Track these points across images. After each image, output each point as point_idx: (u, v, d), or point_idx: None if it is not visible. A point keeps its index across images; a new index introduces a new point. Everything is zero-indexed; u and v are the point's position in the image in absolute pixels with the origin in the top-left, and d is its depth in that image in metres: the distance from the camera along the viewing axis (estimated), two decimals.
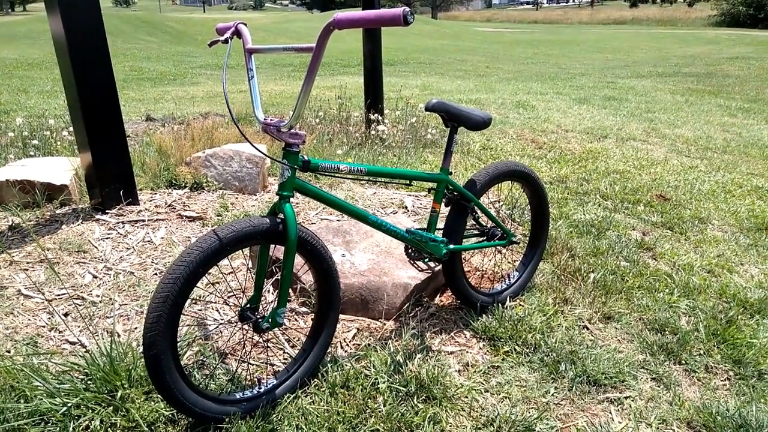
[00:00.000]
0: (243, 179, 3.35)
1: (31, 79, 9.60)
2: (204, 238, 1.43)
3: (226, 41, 1.66)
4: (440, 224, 2.12)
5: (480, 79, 11.77)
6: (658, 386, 1.94)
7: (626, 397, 1.88)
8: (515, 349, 2.06)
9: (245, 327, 1.73)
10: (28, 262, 2.40)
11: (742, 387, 1.95)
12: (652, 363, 2.06)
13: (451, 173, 2.02)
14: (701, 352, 2.13)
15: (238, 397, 1.62)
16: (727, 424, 1.73)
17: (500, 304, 2.26)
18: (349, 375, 1.81)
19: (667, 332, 2.24)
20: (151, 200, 3.05)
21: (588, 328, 2.26)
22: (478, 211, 2.16)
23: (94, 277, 2.33)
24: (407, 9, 1.20)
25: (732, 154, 5.59)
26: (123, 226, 2.74)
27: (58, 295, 2.19)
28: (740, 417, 1.75)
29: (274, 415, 1.64)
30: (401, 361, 1.90)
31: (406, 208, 3.23)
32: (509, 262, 2.66)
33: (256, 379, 1.74)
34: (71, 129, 4.14)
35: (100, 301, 2.16)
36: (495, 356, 2.04)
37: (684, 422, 1.77)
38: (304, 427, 1.61)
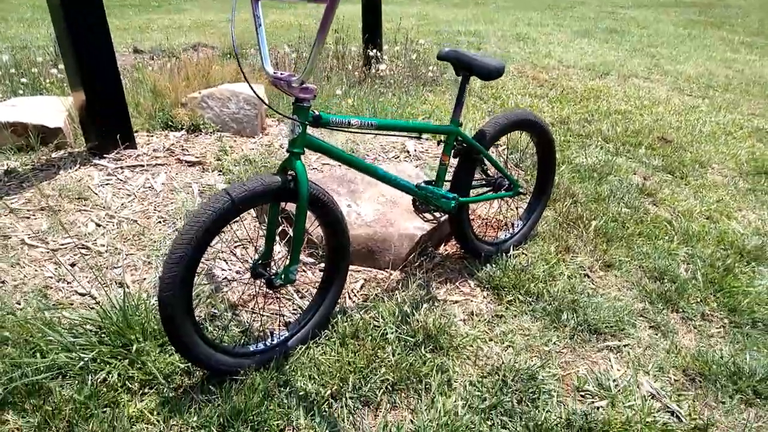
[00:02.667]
0: (241, 121, 3.28)
1: (10, 5, 9.15)
2: (216, 197, 1.41)
3: None
4: (448, 176, 2.11)
5: (478, 7, 11.36)
6: (656, 334, 2.01)
7: (625, 345, 1.95)
8: (518, 299, 2.11)
9: (258, 282, 1.75)
10: (28, 210, 2.37)
11: (737, 335, 2.02)
12: (651, 311, 2.12)
13: (461, 124, 1.97)
14: (698, 300, 2.19)
15: (251, 349, 1.66)
16: (720, 372, 1.81)
17: (504, 253, 2.29)
18: (359, 326, 1.85)
19: (666, 280, 2.29)
20: (148, 144, 2.99)
21: (589, 276, 2.30)
22: (487, 163, 2.14)
23: (98, 225, 2.32)
24: None
25: (734, 92, 5.52)
26: (122, 172, 2.70)
27: (63, 244, 2.18)
28: (734, 365, 1.83)
29: (287, 366, 1.69)
30: (408, 311, 1.94)
31: (408, 152, 3.20)
32: (513, 210, 2.67)
33: (268, 332, 1.77)
34: (61, 66, 3.99)
35: (106, 251, 2.16)
36: (499, 305, 2.09)
37: (680, 369, 1.84)
38: (316, 377, 1.67)
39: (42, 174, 2.66)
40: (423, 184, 1.92)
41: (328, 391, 1.62)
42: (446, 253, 2.35)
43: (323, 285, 1.81)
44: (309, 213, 1.63)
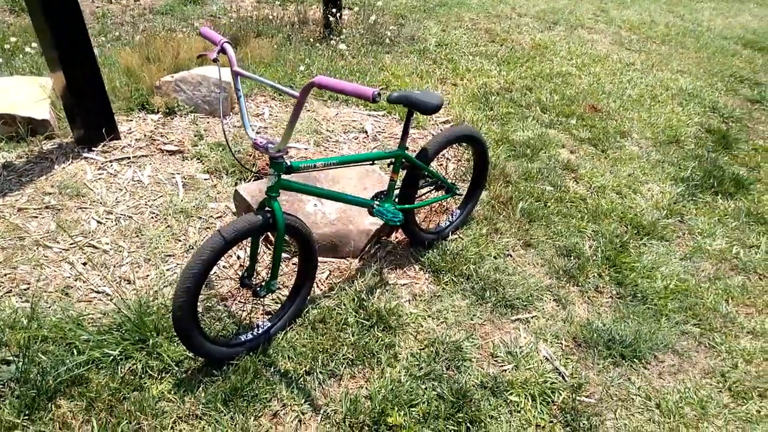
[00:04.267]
0: (212, 103, 3.57)
1: None
2: (212, 238, 1.83)
3: (215, 60, 1.90)
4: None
5: None
6: (558, 306, 2.59)
7: (533, 317, 2.52)
8: (453, 280, 2.63)
9: (245, 291, 2.21)
10: (35, 209, 2.72)
11: (620, 306, 2.61)
12: (556, 286, 2.68)
13: (407, 148, 2.38)
14: (595, 274, 2.76)
15: (242, 339, 2.15)
16: (599, 339, 2.41)
17: (443, 240, 2.79)
18: (325, 313, 2.36)
19: (572, 257, 2.85)
20: (130, 132, 3.29)
21: (511, 256, 2.84)
22: (428, 174, 2.58)
23: (99, 222, 2.69)
24: (377, 91, 1.52)
25: (669, 44, 5.93)
26: (111, 165, 3.03)
27: (72, 244, 2.57)
28: (609, 333, 2.43)
29: (271, 350, 2.19)
30: (364, 298, 2.44)
31: (366, 132, 3.58)
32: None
33: (255, 323, 2.26)
34: (33, 44, 4.11)
35: (111, 249, 2.56)
36: (437, 286, 2.62)
37: (571, 337, 2.43)
38: (293, 357, 2.18)
39: (37, 168, 2.97)
40: (377, 204, 2.37)
41: (303, 369, 2.15)
42: (397, 240, 2.83)
43: (296, 284, 2.29)
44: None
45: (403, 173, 2.48)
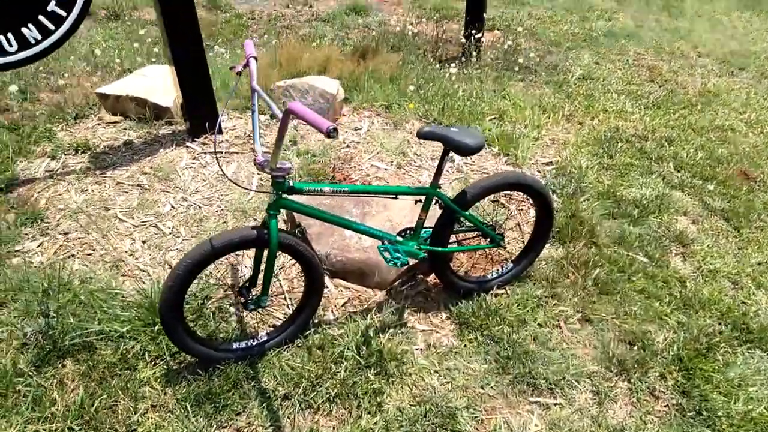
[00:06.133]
0: (316, 112, 3.68)
1: None
2: (201, 244, 1.89)
3: (238, 73, 1.96)
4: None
5: None
6: (593, 399, 2.19)
7: (556, 404, 2.17)
8: (478, 339, 2.38)
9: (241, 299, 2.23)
10: (129, 185, 3.07)
11: (675, 420, 2.12)
12: (601, 375, 2.28)
13: (440, 187, 2.21)
14: (656, 374, 2.29)
15: (234, 347, 2.18)
16: None
17: (485, 293, 2.53)
18: (326, 339, 2.29)
19: (636, 347, 2.40)
20: (233, 129, 3.56)
21: (560, 328, 2.48)
22: (468, 219, 2.36)
23: (172, 207, 2.95)
24: (332, 126, 1.44)
25: None
26: (204, 157, 3.30)
27: (143, 222, 2.85)
28: None
29: (260, 364, 2.20)
30: (371, 334, 2.32)
31: (453, 162, 3.42)
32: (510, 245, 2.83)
33: (253, 335, 2.28)
34: None
35: (170, 233, 2.79)
36: (459, 341, 2.39)
37: None
38: (278, 377, 2.15)
39: (148, 149, 3.36)
40: (399, 238, 2.24)
41: (283, 391, 2.11)
42: (432, 282, 2.65)
43: (300, 305, 2.26)
44: (287, 255, 2.07)
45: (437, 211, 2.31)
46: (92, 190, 3.02)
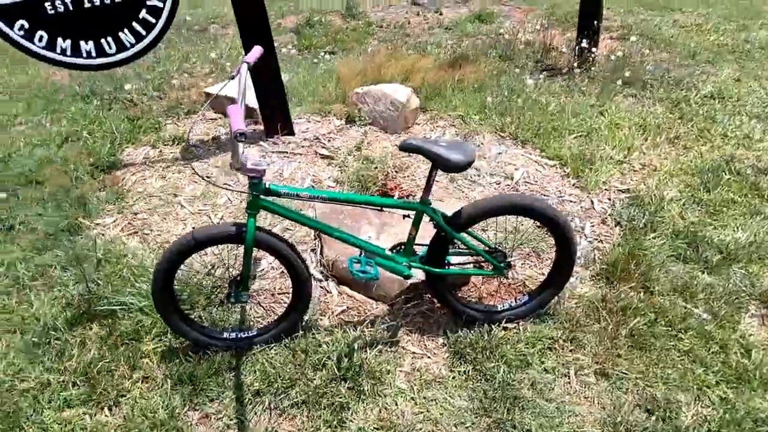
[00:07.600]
0: (387, 119, 3.72)
1: None
2: (184, 238, 2.03)
3: (231, 77, 2.06)
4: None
5: None
6: None
7: None
8: (469, 372, 2.21)
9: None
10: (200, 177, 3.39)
11: None
12: None
13: (430, 203, 2.08)
14: None
15: (224, 336, 2.30)
16: None
17: (491, 323, 2.34)
18: (312, 344, 2.30)
19: (655, 417, 2.04)
20: (305, 131, 3.72)
21: (569, 378, 2.20)
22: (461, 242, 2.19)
23: (228, 199, 3.19)
24: (239, 131, 1.47)
25: None
26: (272, 155, 3.50)
27: (200, 210, 3.12)
28: None
29: (245, 356, 2.29)
30: (356, 347, 2.28)
31: (512, 179, 3.18)
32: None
33: (246, 327, 2.38)
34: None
35: (217, 223, 3.02)
36: (449, 371, 2.24)
37: None
38: (257, 372, 2.23)
39: (229, 145, 3.65)
40: (388, 252, 2.17)
41: (256, 387, 2.18)
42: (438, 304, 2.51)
43: (289, 305, 2.30)
44: (265, 253, 2.14)
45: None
46: (170, 178, 3.38)
